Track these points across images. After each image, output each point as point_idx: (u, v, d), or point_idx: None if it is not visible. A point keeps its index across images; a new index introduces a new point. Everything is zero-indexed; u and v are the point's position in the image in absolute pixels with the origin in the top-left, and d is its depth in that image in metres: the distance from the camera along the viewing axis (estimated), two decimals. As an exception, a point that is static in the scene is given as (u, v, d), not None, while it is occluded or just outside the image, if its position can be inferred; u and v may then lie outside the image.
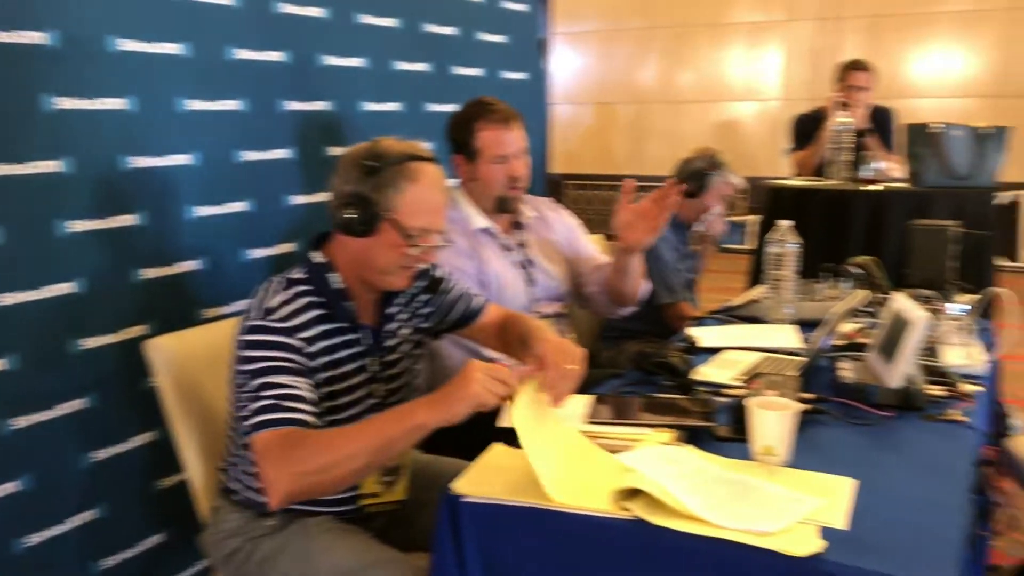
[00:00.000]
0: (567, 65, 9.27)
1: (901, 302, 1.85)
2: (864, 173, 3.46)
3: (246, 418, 1.41)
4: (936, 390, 1.76)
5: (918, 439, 1.58)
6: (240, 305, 2.08)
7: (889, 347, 1.80)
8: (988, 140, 3.31)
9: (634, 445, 1.45)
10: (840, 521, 1.23)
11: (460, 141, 2.19)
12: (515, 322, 1.72)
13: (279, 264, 2.24)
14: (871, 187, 3.38)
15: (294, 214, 2.32)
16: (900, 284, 2.48)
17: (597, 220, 2.60)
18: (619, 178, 9.13)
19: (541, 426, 1.39)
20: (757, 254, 3.75)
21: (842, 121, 3.71)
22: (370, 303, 1.62)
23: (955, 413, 1.67)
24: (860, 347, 2.01)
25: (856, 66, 4.09)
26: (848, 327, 2.18)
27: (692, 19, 8.84)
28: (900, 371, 1.70)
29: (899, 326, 1.79)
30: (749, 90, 8.74)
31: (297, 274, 1.55)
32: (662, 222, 2.14)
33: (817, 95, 8.21)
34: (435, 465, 1.77)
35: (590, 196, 9.09)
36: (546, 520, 1.27)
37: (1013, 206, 6.81)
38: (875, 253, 3.20)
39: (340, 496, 1.58)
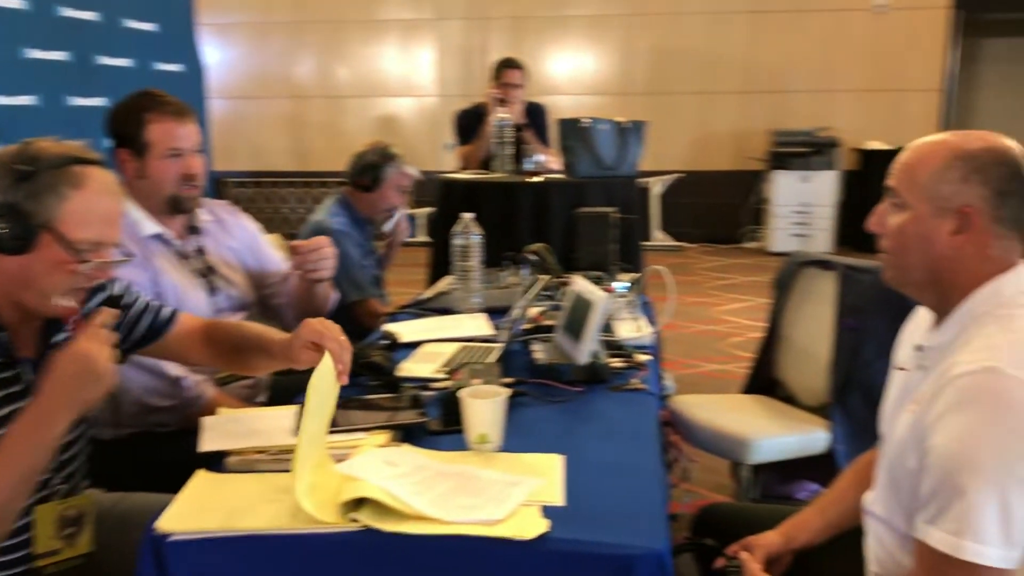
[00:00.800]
0: (216, 58, 8.79)
1: (580, 284, 1.99)
2: (527, 166, 3.68)
3: None
4: (616, 362, 1.92)
5: (609, 409, 1.72)
6: None
7: (573, 327, 1.93)
8: (629, 133, 3.68)
9: (352, 452, 1.40)
10: (558, 498, 1.29)
11: (127, 134, 1.96)
12: (229, 329, 1.59)
13: None
14: (534, 179, 3.61)
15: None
16: (570, 267, 2.68)
17: (261, 220, 2.49)
18: (281, 175, 8.88)
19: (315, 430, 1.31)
20: (434, 246, 3.84)
21: (502, 117, 3.91)
22: (31, 332, 1.39)
23: (635, 382, 1.84)
24: (547, 329, 2.13)
25: (510, 64, 4.33)
26: (533, 311, 2.31)
27: (344, 15, 8.82)
28: (586, 348, 1.83)
29: (581, 307, 1.92)
30: (406, 86, 8.93)
31: (-70, 303, 1.29)
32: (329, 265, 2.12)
33: (470, 91, 8.62)
34: (123, 504, 1.57)
35: (251, 195, 8.74)
36: (270, 546, 1.19)
37: (644, 192, 7.67)
38: (543, 239, 3.41)
39: (4, 559, 1.34)
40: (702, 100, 8.38)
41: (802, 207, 7.69)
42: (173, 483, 1.34)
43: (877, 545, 1.34)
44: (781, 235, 7.76)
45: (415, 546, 1.18)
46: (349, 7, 8.81)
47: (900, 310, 2.47)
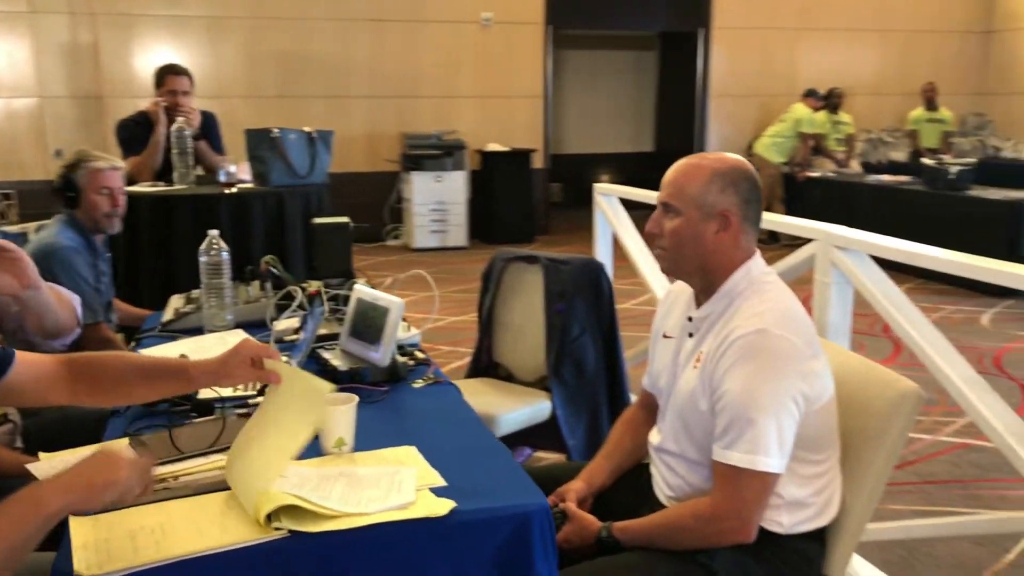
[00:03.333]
0: None
1: (365, 292, 2.14)
2: (222, 177, 3.62)
3: None
4: (406, 361, 2.11)
5: (423, 402, 1.91)
6: None
7: (362, 332, 2.08)
8: (318, 142, 3.80)
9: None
10: (438, 480, 1.47)
11: None
12: (108, 361, 1.50)
13: None
14: (231, 190, 3.57)
15: None
16: (310, 276, 2.77)
17: None
18: None
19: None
20: (122, 263, 3.62)
21: (181, 127, 3.79)
22: None
23: (430, 376, 2.05)
24: (322, 339, 2.24)
25: (175, 70, 4.15)
26: (288, 323, 2.39)
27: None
28: (388, 351, 2.00)
29: (370, 313, 2.08)
30: None
31: None
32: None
33: (78, 91, 7.92)
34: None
35: None
36: (205, 567, 1.22)
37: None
38: (247, 250, 3.44)
39: None
40: (333, 104, 8.57)
41: (438, 205, 8.27)
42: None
43: (669, 474, 1.72)
44: (421, 232, 8.28)
45: (341, 542, 1.29)
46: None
47: (595, 294, 2.99)
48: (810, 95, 8.64)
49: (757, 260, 1.65)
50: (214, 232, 2.43)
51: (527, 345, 2.99)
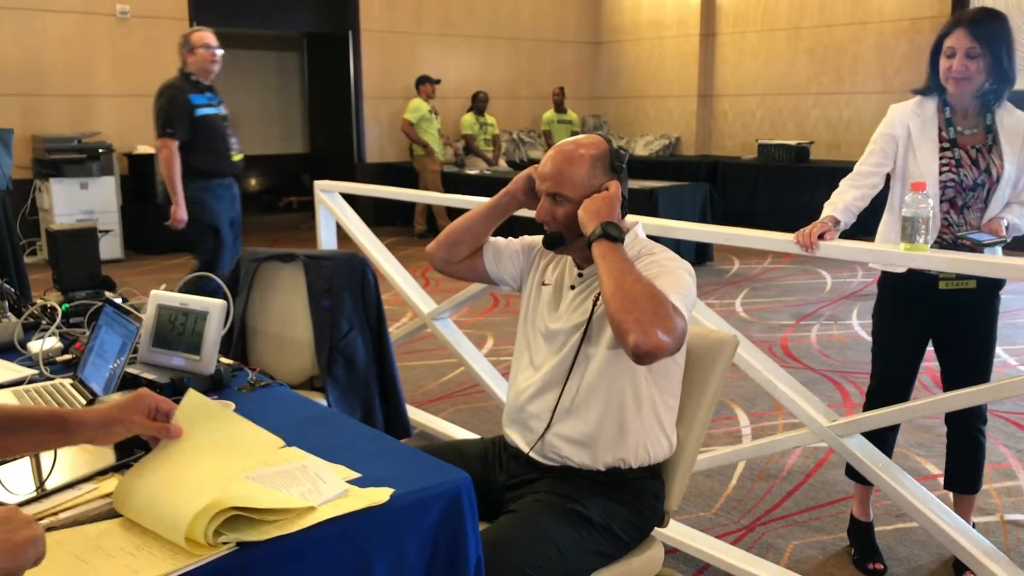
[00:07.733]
0: None
1: (165, 296, 1.95)
2: None
3: None
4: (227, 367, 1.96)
5: (266, 405, 1.80)
6: None
7: (169, 341, 1.91)
8: (-4, 142, 3.29)
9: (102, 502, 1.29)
10: (350, 472, 1.43)
11: None
12: None
13: None
14: None
15: None
16: (58, 288, 2.44)
17: None
18: None
19: None
20: None
21: None
22: None
23: (254, 378, 1.94)
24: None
25: None
26: (50, 342, 2.11)
27: None
28: (212, 356, 1.86)
29: (179, 318, 1.91)
30: None
31: None
32: None
33: None
34: None
35: None
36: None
37: None
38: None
39: None
40: (-61, 102, 7.33)
41: (85, 215, 7.44)
42: None
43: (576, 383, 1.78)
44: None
45: (288, 547, 1.22)
46: None
47: (361, 289, 2.99)
48: (423, 82, 9.15)
49: (640, 227, 1.82)
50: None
51: (290, 348, 2.89)
